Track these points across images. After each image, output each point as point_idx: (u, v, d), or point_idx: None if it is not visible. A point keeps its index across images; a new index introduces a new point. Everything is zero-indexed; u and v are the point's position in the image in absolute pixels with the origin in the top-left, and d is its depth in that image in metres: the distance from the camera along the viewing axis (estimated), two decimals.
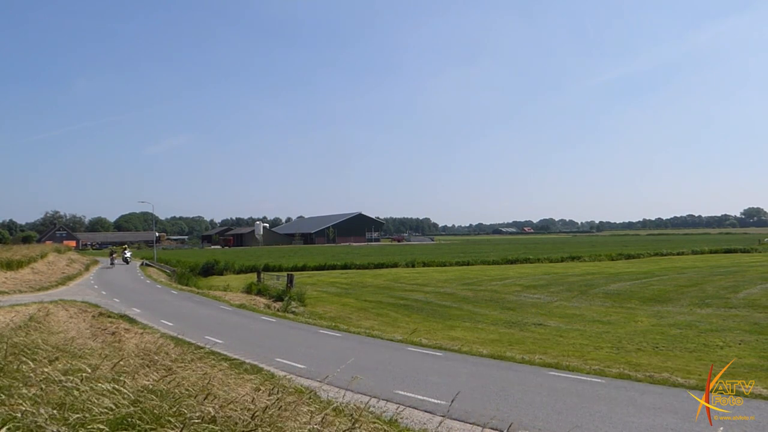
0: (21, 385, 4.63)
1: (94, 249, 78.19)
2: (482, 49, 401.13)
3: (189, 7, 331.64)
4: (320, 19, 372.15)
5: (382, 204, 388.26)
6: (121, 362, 6.11)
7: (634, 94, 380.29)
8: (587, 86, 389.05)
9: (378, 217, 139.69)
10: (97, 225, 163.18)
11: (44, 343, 7.58)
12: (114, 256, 53.82)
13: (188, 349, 10.38)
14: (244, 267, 43.01)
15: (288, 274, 29.64)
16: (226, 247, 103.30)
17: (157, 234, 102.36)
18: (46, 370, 5.28)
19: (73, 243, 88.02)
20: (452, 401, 6.93)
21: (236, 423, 4.14)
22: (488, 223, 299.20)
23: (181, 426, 3.92)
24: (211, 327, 16.21)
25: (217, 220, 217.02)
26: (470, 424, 7.29)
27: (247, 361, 10.72)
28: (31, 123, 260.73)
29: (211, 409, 4.36)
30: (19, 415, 3.82)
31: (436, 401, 8.18)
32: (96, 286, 29.64)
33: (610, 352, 14.64)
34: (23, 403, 4.04)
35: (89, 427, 3.78)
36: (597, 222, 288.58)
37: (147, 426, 3.92)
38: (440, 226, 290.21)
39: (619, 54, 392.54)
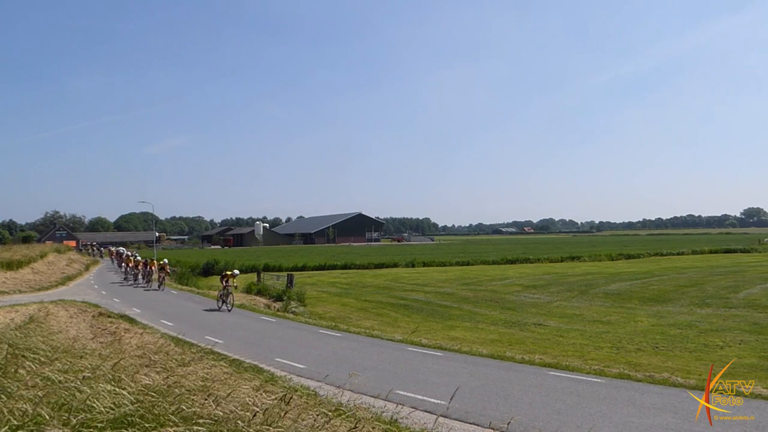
0: (21, 385, 4.63)
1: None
2: (482, 48, 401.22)
3: (189, 7, 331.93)
4: (320, 19, 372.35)
5: (382, 204, 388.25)
6: (122, 362, 6.11)
7: (634, 94, 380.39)
8: (587, 86, 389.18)
9: (378, 217, 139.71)
10: (97, 225, 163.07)
11: (44, 344, 7.58)
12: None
13: (188, 348, 10.39)
14: (244, 267, 42.92)
15: (288, 274, 29.66)
16: (226, 247, 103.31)
17: (157, 234, 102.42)
18: (46, 370, 5.28)
19: (73, 243, 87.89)
20: (451, 398, 6.95)
21: (237, 423, 4.14)
22: (488, 223, 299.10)
23: (182, 426, 3.92)
24: (211, 327, 16.21)
25: (217, 220, 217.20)
26: (470, 423, 7.30)
27: (247, 360, 10.72)
28: (31, 123, 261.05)
29: (211, 408, 4.36)
30: (19, 415, 3.82)
31: (436, 401, 8.18)
32: (96, 286, 29.64)
33: (610, 352, 14.64)
34: (23, 404, 4.04)
35: (90, 427, 3.78)
36: (597, 222, 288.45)
37: (147, 426, 3.92)
38: (440, 226, 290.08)
39: (619, 53, 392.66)
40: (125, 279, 33.22)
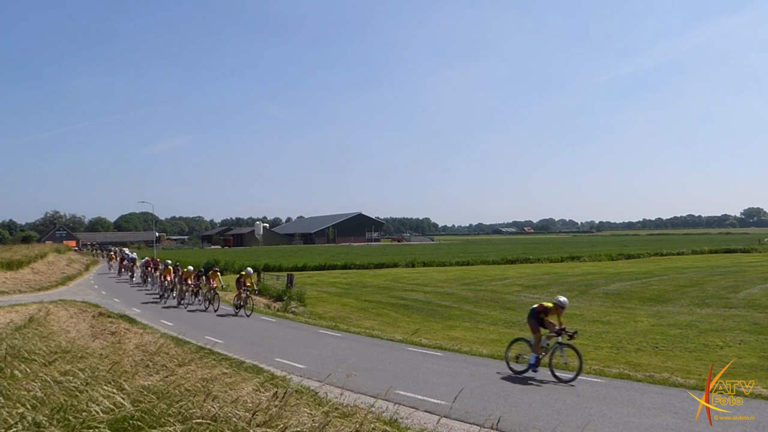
0: (21, 386, 4.63)
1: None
2: (482, 48, 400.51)
3: (189, 7, 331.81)
4: (320, 19, 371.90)
5: (382, 204, 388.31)
6: (122, 362, 6.11)
7: (634, 94, 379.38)
8: (587, 86, 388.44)
9: (378, 217, 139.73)
10: (97, 225, 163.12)
11: (44, 344, 7.58)
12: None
13: (188, 349, 10.39)
14: (244, 267, 42.93)
15: (288, 274, 29.64)
16: (226, 247, 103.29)
17: (157, 234, 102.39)
18: (46, 370, 5.28)
19: (73, 243, 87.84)
20: (455, 399, 6.94)
21: (237, 423, 4.14)
22: (488, 223, 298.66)
23: (182, 426, 3.92)
24: (210, 327, 16.21)
25: (217, 220, 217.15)
26: (470, 424, 7.29)
27: (247, 361, 10.72)
28: (31, 123, 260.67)
29: (211, 408, 4.36)
30: (19, 417, 3.82)
31: (436, 401, 8.18)
32: (96, 286, 29.63)
33: (610, 352, 14.64)
34: (24, 405, 4.04)
35: (89, 428, 3.78)
36: (597, 222, 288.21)
37: (148, 426, 3.92)
38: (440, 226, 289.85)
39: (619, 53, 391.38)
40: (162, 296, 23.81)
